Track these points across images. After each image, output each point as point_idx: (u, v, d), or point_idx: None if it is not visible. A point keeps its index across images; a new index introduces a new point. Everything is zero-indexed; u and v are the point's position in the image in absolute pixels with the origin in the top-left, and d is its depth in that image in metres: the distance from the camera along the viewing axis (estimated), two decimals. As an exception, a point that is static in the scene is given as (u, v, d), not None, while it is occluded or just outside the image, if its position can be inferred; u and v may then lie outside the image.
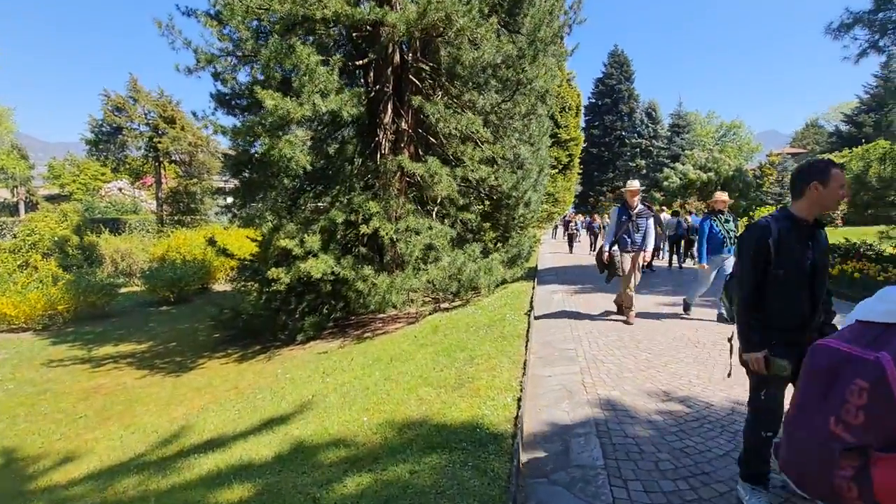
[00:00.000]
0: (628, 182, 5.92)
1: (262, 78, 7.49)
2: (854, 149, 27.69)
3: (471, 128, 7.54)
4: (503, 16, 8.52)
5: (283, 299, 9.21)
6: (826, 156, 30.78)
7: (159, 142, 22.73)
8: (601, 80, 51.10)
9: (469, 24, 6.84)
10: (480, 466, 2.51)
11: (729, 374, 2.37)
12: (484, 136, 7.97)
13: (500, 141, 8.82)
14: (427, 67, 8.93)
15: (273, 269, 7.47)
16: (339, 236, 8.95)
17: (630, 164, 48.99)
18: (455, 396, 3.64)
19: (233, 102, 9.52)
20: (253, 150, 8.88)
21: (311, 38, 8.21)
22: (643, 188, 45.19)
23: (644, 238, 5.68)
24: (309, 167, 7.41)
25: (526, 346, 4.82)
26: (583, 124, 40.54)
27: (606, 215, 27.55)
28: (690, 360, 4.21)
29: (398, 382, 4.42)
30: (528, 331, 5.45)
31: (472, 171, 8.16)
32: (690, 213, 16.19)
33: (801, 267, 1.96)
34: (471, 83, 8.38)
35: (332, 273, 7.41)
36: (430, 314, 8.07)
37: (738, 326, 2.05)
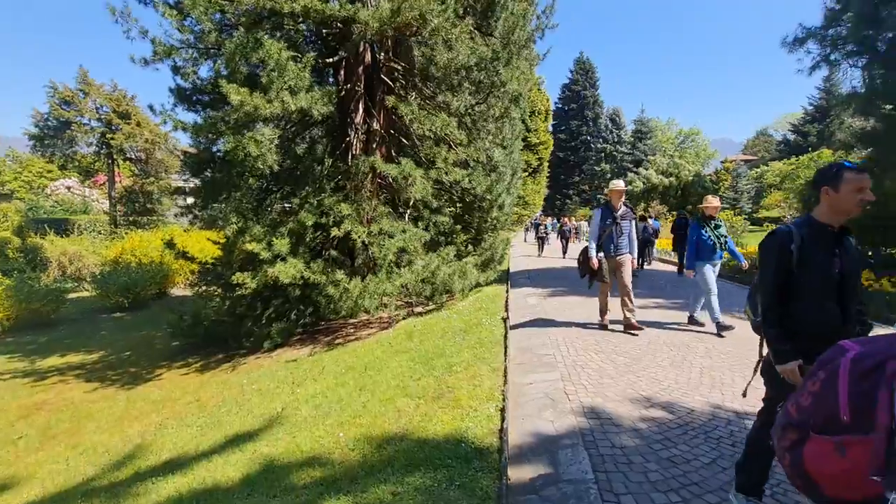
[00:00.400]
0: (612, 182, 5.49)
1: (225, 73, 7.14)
2: (801, 157, 29.51)
3: (445, 130, 7.42)
4: (476, 18, 8.47)
5: (249, 305, 8.81)
6: (776, 163, 32.35)
7: (112, 138, 21.46)
8: (567, 85, 52.32)
9: (444, 25, 6.75)
10: (468, 485, 2.39)
11: (744, 394, 2.32)
12: (458, 138, 7.88)
13: (474, 143, 8.76)
14: (399, 67, 8.77)
15: (238, 273, 7.13)
16: (308, 239, 8.65)
17: (595, 168, 50.27)
18: (435, 408, 3.50)
19: (194, 98, 9.05)
20: (216, 149, 8.48)
21: (278, 33, 7.90)
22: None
23: (629, 242, 5.38)
24: (276, 167, 7.11)
25: (505, 352, 4.74)
26: (550, 128, 41.24)
27: (574, 217, 28.10)
28: (667, 364, 4.24)
29: (374, 393, 4.25)
30: (505, 336, 5.39)
31: (446, 173, 8.06)
32: (651, 216, 16.77)
33: (827, 274, 1.90)
34: (444, 84, 8.27)
35: (302, 278, 7.14)
36: (403, 319, 7.90)
37: (767, 338, 1.99)
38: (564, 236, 16.64)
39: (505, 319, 6.32)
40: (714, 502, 2.22)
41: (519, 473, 2.56)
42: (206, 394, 6.14)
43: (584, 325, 5.82)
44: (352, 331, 8.23)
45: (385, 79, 8.70)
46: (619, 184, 5.41)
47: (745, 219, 22.73)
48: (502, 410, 3.28)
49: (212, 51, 7.45)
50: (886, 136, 7.89)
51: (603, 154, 50.19)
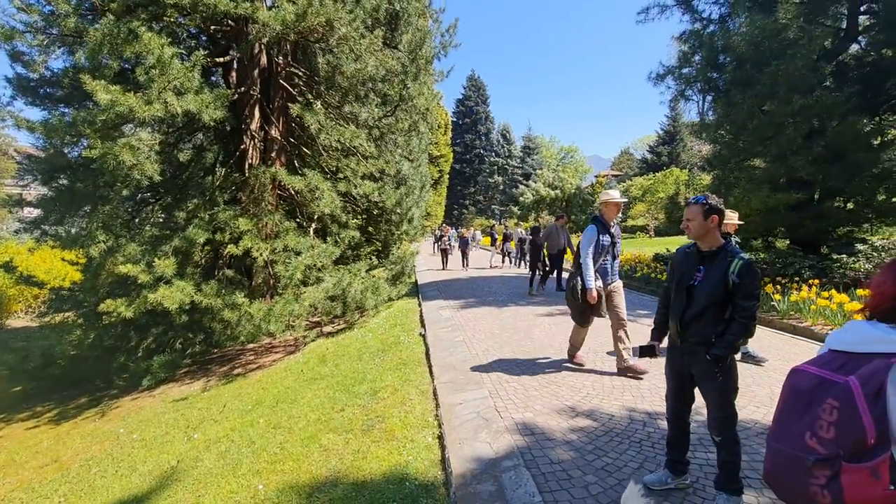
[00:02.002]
0: (606, 192, 4.36)
1: (88, 65, 6.07)
2: (656, 174, 34.49)
3: (355, 141, 7.16)
4: (384, 30, 8.39)
5: (120, 335, 7.54)
6: (638, 178, 37.00)
7: (-88, 132, 16.96)
8: (461, 101, 54.66)
9: (353, 34, 6.54)
10: (420, 529, 2.25)
11: None
12: (368, 151, 7.66)
13: (384, 156, 8.60)
14: (301, 73, 8.30)
15: (108, 301, 6.04)
16: (196, 258, 7.68)
17: (489, 179, 53.05)
18: (368, 442, 3.28)
19: (41, 91, 7.59)
20: (74, 153, 7.18)
21: (157, 25, 6.96)
22: (502, 205, 49.51)
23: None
24: (158, 177, 6.18)
25: (430, 371, 4.66)
26: (449, 142, 42.56)
27: (472, 228, 29.15)
28: (582, 371, 4.53)
29: (292, 431, 3.85)
30: (427, 354, 5.31)
31: (356, 186, 7.78)
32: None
33: (679, 285, 2.37)
34: (351, 95, 8.01)
35: (192, 302, 6.29)
36: (312, 341, 7.38)
37: None
38: (464, 248, 16.04)
39: (423, 335, 6.24)
40: (650, 507, 2.37)
41: (467, 505, 2.49)
42: (68, 451, 5.06)
43: (499, 337, 5.99)
44: (252, 357, 7.47)
45: (285, 84, 8.16)
46: (613, 195, 4.31)
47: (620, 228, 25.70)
48: (440, 438, 3.19)
49: (69, 38, 6.29)
50: (727, 159, 9.52)
51: (496, 167, 53.20)
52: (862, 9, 8.83)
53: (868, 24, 8.97)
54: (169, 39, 5.90)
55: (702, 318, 2.23)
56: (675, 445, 2.46)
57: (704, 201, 2.25)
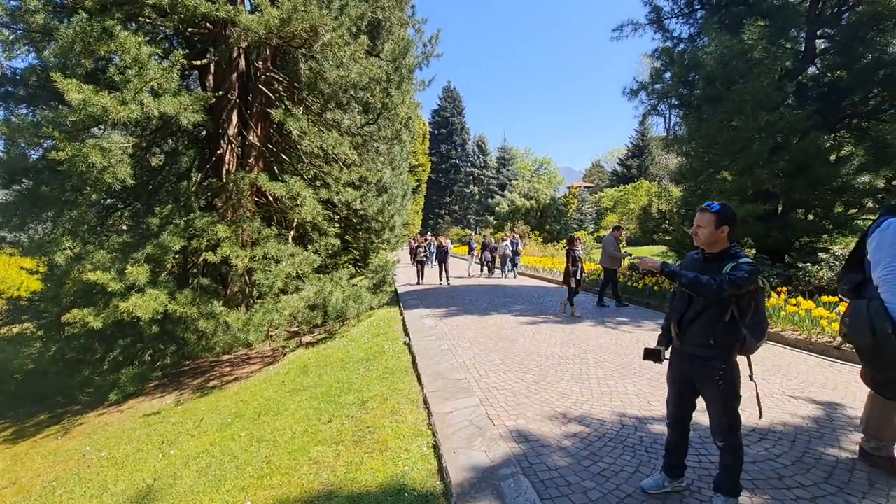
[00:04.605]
0: None
1: (56, 63, 5.83)
2: (627, 185, 35.53)
3: (337, 148, 7.08)
4: (366, 37, 8.38)
5: (84, 347, 7.14)
6: (607, 190, 38.20)
7: None
8: (437, 111, 55.03)
9: (337, 41, 6.50)
10: (424, 542, 2.19)
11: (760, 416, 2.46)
12: (350, 158, 7.58)
13: (366, 163, 8.54)
14: (281, 78, 8.18)
15: (74, 311, 5.72)
16: (170, 266, 7.38)
17: (465, 189, 53.42)
18: (360, 453, 3.19)
19: (1, 90, 7.22)
20: (36, 154, 6.85)
21: (133, 24, 6.74)
22: (478, 215, 49.76)
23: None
24: (132, 181, 5.92)
25: (419, 380, 4.60)
26: (427, 151, 42.70)
27: (445, 236, 29.09)
28: (569, 378, 4.56)
29: (277, 444, 3.71)
30: (413, 363, 5.24)
31: (338, 193, 7.68)
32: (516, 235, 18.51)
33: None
34: (333, 101, 7.94)
35: (165, 312, 6.02)
36: (291, 351, 7.18)
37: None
38: (442, 258, 14.40)
39: (408, 344, 6.17)
40: (649, 510, 2.40)
41: (469, 515, 2.44)
42: (27, 472, 4.73)
43: (484, 345, 5.98)
44: (228, 369, 7.20)
45: (264, 89, 8.02)
46: None
47: (594, 238, 26.26)
48: (435, 447, 3.13)
49: (36, 36, 6.00)
50: (698, 172, 9.90)
51: (472, 177, 53.67)
52: (818, 33, 9.41)
53: (824, 47, 9.58)
54: (146, 39, 5.72)
55: (700, 320, 2.24)
56: (673, 450, 2.48)
57: (719, 210, 2.19)
